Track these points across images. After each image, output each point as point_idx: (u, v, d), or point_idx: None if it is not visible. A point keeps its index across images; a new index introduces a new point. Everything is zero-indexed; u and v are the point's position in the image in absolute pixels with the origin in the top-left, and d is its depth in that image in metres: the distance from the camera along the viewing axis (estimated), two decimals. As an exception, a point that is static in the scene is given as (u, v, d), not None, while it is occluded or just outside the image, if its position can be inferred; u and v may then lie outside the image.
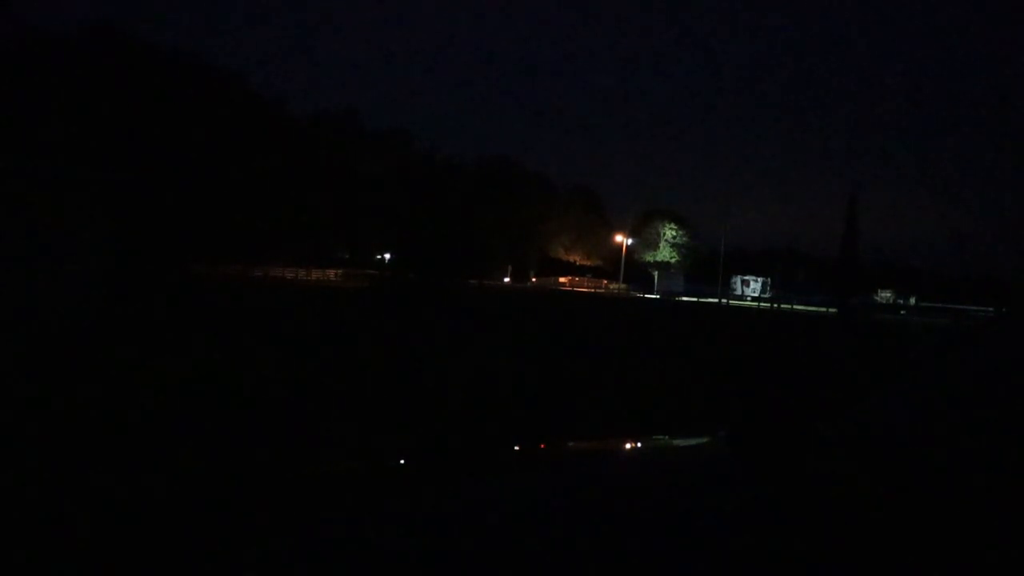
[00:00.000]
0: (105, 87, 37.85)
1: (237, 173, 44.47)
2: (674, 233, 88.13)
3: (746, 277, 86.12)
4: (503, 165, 79.34)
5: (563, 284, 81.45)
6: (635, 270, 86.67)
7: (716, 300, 65.47)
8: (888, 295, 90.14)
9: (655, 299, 67.09)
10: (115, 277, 15.09)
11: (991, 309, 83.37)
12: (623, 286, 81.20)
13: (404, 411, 7.61)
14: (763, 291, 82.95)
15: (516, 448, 2.75)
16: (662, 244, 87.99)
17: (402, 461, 2.24)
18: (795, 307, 57.61)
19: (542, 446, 3.09)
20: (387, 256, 71.72)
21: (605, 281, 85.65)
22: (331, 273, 54.98)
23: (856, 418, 2.21)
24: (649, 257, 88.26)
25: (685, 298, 70.63)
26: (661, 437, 2.69)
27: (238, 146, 44.63)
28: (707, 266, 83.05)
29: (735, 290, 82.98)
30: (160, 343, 11.51)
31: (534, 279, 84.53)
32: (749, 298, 78.94)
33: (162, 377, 8.52)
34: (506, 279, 79.24)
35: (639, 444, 2.50)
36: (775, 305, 59.97)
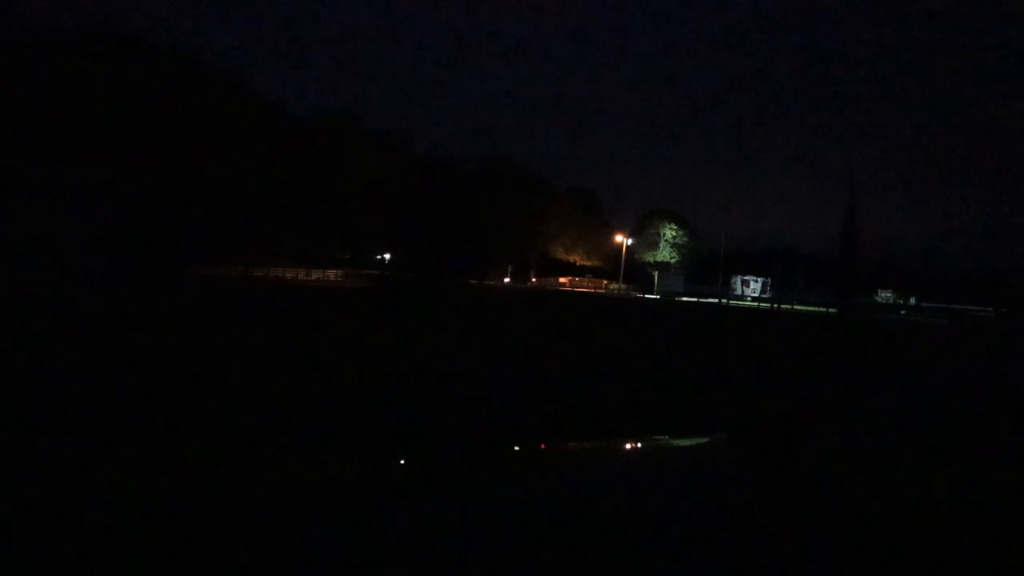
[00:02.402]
0: (104, 87, 37.83)
1: (237, 173, 44.46)
2: (674, 233, 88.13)
3: (746, 277, 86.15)
4: (503, 165, 79.26)
5: (563, 284, 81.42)
6: (635, 270, 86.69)
7: (716, 300, 65.48)
8: (888, 295, 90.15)
9: (655, 299, 67.07)
10: (113, 277, 15.11)
11: (991, 309, 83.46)
12: (623, 286, 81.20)
13: (405, 412, 7.64)
14: (763, 291, 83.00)
15: (516, 448, 2.79)
16: (662, 244, 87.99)
17: (402, 461, 2.28)
18: (795, 307, 57.66)
19: (543, 446, 3.13)
20: (387, 256, 71.74)
21: (605, 281, 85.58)
22: (331, 273, 54.98)
23: (855, 418, 2.26)
24: (649, 257, 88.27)
25: (685, 298, 70.64)
26: (661, 438, 2.72)
27: (238, 146, 44.63)
28: (707, 266, 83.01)
29: (735, 290, 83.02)
30: (151, 344, 11.54)
31: (534, 279, 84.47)
32: (749, 298, 78.99)
33: (153, 378, 8.55)
34: (506, 279, 79.21)
35: (639, 444, 2.54)
36: (775, 305, 59.98)
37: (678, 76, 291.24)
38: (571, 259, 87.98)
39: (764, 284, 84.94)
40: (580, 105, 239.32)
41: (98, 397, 7.32)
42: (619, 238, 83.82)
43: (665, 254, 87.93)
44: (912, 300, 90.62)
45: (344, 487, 1.43)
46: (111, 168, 28.77)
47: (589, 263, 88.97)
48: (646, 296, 71.11)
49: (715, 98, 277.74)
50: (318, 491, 1.38)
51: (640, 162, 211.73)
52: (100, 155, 31.27)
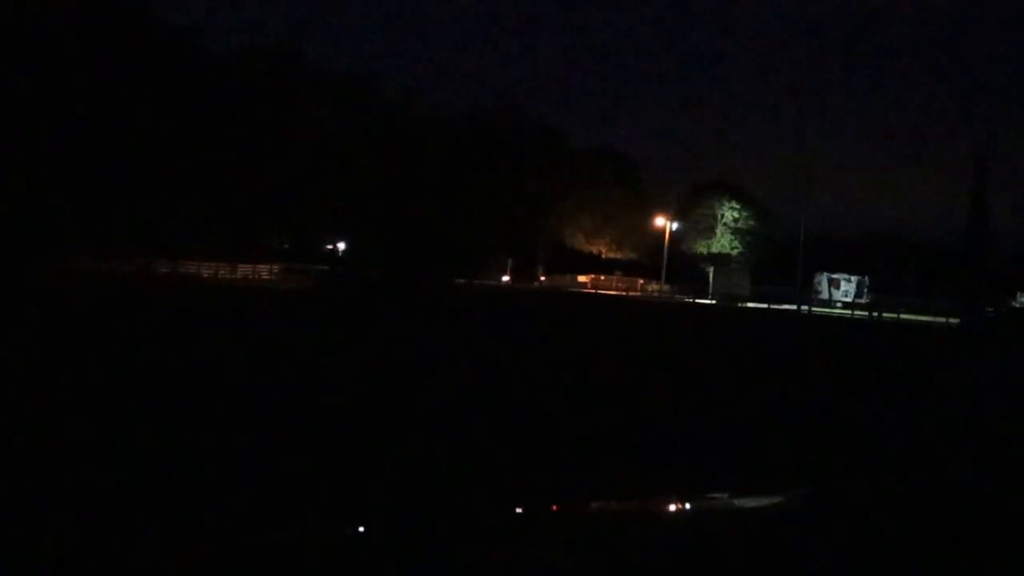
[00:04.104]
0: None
1: (134, 134, 44.49)
2: (736, 215, 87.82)
3: (835, 276, 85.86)
4: (503, 119, 78.74)
5: (584, 284, 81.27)
6: (683, 265, 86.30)
7: (795, 307, 65.47)
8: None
9: (710, 305, 67.00)
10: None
11: None
12: (665, 287, 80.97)
13: (368, 469, 7.66)
14: (858, 294, 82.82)
15: (518, 511, 2.77)
16: (720, 230, 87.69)
17: (360, 529, 2.26)
18: (902, 316, 57.63)
19: (554, 508, 3.11)
20: (341, 246, 71.81)
21: (641, 280, 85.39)
22: (263, 269, 54.98)
23: (991, 474, 2.24)
24: (702, 248, 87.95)
25: (751, 304, 70.55)
26: (718, 496, 2.70)
27: (135, 97, 44.66)
28: (781, 260, 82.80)
29: (820, 293, 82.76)
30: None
31: (543, 278, 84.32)
32: (839, 304, 78.79)
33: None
34: (505, 278, 79.09)
35: (687, 506, 2.51)
36: (874, 314, 59.97)
37: (736, 10, 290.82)
38: (594, 250, 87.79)
39: (860, 284, 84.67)
40: (611, 49, 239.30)
41: None
42: (661, 221, 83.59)
43: (724, 243, 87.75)
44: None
45: (294, 560, 1.41)
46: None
47: (619, 256, 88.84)
48: (697, 301, 70.99)
49: (791, 39, 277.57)
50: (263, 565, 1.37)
51: (689, 119, 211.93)
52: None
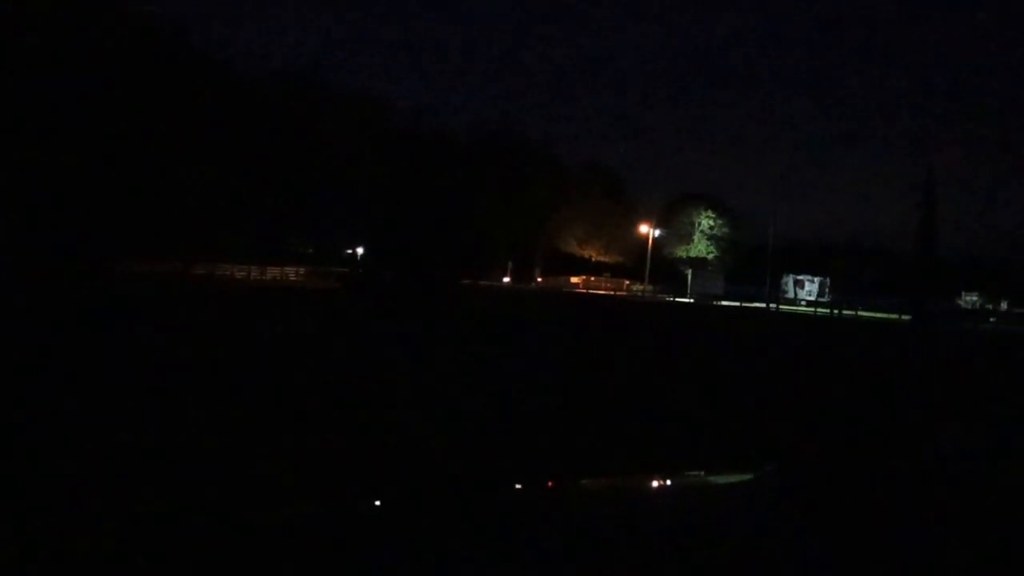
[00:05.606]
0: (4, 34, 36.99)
1: (176, 149, 44.51)
2: (712, 223, 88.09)
3: (800, 277, 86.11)
4: (503, 138, 79.20)
5: (576, 285, 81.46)
6: (665, 268, 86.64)
7: (764, 305, 65.54)
8: (974, 299, 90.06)
9: (688, 303, 67.11)
10: (15, 276, 15.08)
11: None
12: (649, 287, 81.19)
13: (381, 445, 7.62)
14: (821, 293, 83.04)
15: (517, 487, 2.74)
16: (697, 236, 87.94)
17: (377, 503, 2.23)
18: (859, 313, 57.68)
19: (549, 484, 3.08)
20: (359, 251, 71.90)
21: (627, 282, 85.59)
22: (291, 272, 54.99)
23: (937, 450, 2.21)
24: (682, 252, 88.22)
25: (725, 302, 70.68)
26: (695, 473, 2.68)
27: (177, 116, 44.68)
28: (752, 263, 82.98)
29: (787, 292, 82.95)
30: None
31: (540, 279, 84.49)
32: (803, 302, 78.98)
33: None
34: (505, 279, 79.22)
35: (668, 482, 2.50)
36: (835, 311, 60.01)
37: (716, 35, 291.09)
38: (585, 254, 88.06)
39: (822, 285, 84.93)
40: (598, 71, 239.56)
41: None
42: (644, 229, 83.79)
43: (701, 248, 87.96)
44: (1004, 305, 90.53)
45: (304, 536, 1.39)
46: (13, 142, 28.41)
47: (607, 259, 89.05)
48: (677, 300, 71.15)
49: (762, 59, 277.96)
50: (274, 540, 1.34)
51: (670, 136, 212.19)
52: None
